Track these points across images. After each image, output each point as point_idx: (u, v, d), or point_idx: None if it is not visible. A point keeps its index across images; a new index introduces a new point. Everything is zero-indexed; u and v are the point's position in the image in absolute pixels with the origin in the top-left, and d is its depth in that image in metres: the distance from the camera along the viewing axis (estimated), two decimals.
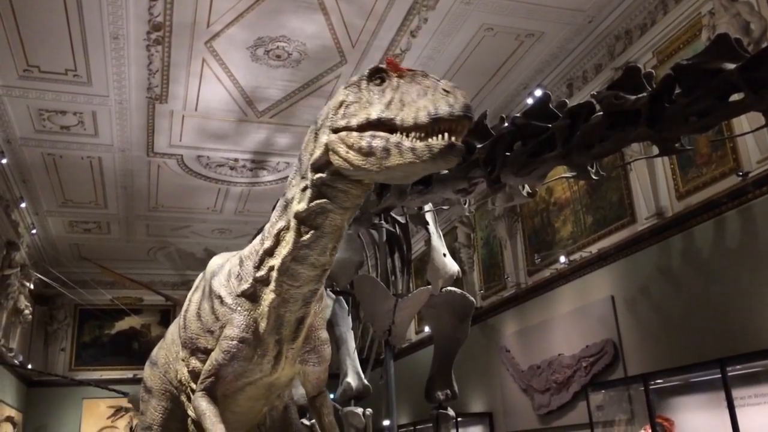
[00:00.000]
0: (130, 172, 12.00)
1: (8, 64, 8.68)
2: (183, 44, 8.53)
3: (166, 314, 18.13)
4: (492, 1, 8.04)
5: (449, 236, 11.90)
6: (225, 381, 3.07)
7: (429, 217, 5.42)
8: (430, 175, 4.44)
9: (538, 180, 4.00)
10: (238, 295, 3.06)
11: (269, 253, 2.92)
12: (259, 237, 3.08)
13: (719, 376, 5.93)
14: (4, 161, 10.76)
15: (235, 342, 3.00)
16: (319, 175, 2.61)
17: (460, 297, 5.35)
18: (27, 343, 16.28)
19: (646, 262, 7.83)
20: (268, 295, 2.93)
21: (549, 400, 9.33)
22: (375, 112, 2.37)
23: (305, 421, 4.79)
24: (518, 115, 3.99)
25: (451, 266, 5.30)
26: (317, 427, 3.57)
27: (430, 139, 2.21)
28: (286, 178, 12.52)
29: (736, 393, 5.88)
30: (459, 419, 10.11)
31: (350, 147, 2.42)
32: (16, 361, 14.21)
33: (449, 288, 5.30)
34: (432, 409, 5.36)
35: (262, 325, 2.98)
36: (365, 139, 2.36)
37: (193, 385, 3.30)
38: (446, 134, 2.20)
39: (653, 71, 3.44)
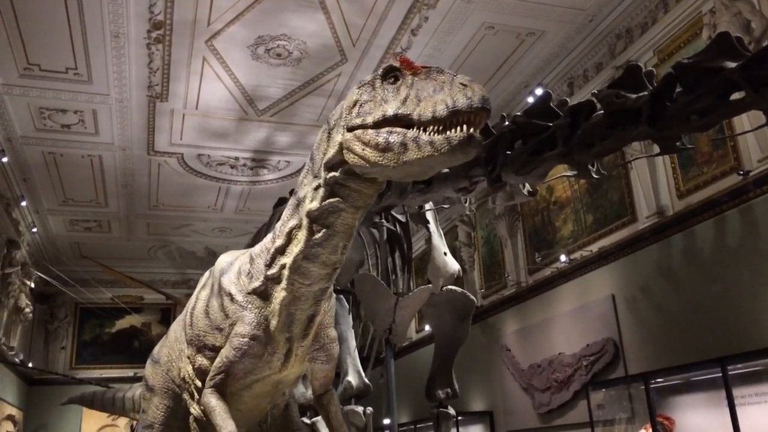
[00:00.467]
0: (130, 171, 12.00)
1: (9, 63, 8.68)
2: (183, 43, 8.53)
3: (167, 313, 18.14)
4: (493, 0, 8.04)
5: (450, 235, 11.90)
6: (235, 378, 3.08)
7: (429, 215, 5.42)
8: None
9: (538, 179, 4.01)
10: (248, 293, 3.08)
11: (281, 251, 2.94)
12: (270, 235, 3.09)
13: (720, 374, 5.92)
14: (4, 159, 10.76)
15: (246, 339, 3.01)
16: (332, 174, 2.63)
17: (460, 296, 5.36)
18: (28, 342, 16.30)
19: (646, 261, 7.82)
20: (280, 293, 2.95)
21: (549, 399, 9.34)
22: (391, 109, 2.38)
23: (305, 420, 4.80)
24: (519, 113, 4.00)
25: (452, 265, 5.30)
26: (325, 425, 3.57)
27: (448, 132, 2.22)
28: (286, 176, 12.53)
29: (736, 392, 5.88)
30: (459, 418, 10.11)
31: (366, 144, 2.42)
32: (16, 360, 14.22)
33: (450, 287, 5.30)
34: (432, 408, 5.37)
35: (273, 322, 3.00)
36: (382, 135, 2.37)
37: (198, 383, 3.31)
38: (464, 126, 2.21)
39: (654, 70, 3.44)
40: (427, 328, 11.77)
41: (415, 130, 2.29)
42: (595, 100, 3.55)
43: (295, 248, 2.85)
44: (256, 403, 3.38)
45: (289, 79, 9.49)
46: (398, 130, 2.34)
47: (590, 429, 7.65)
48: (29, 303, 14.65)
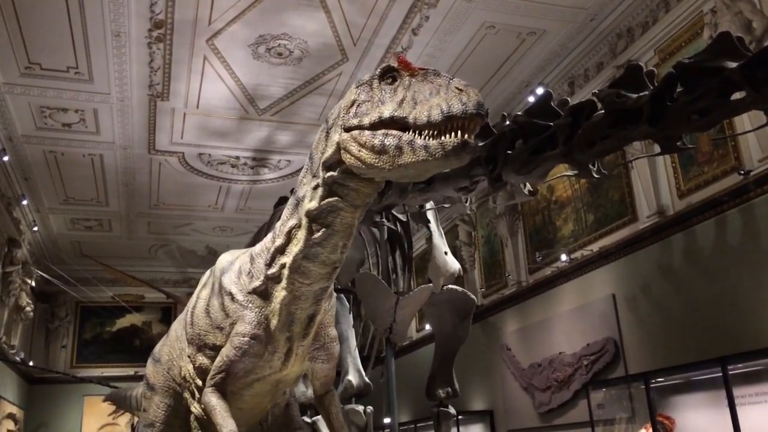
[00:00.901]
0: (131, 170, 12.01)
1: (10, 62, 8.68)
2: (184, 42, 8.53)
3: (168, 312, 18.15)
4: None
5: (450, 234, 11.89)
6: (235, 377, 3.09)
7: (430, 215, 5.43)
8: None
9: (539, 178, 4.01)
10: (249, 292, 3.08)
11: (281, 250, 2.94)
12: (270, 234, 3.09)
13: (720, 374, 5.92)
14: (5, 158, 10.76)
15: (247, 338, 3.02)
16: (330, 173, 2.63)
17: (461, 295, 5.37)
18: (28, 341, 16.31)
19: (647, 261, 7.82)
20: (280, 293, 2.96)
21: (550, 399, 9.34)
22: (387, 111, 2.38)
23: (306, 419, 4.81)
24: (520, 113, 4.00)
25: (452, 264, 5.31)
26: (325, 425, 3.57)
27: (443, 137, 2.22)
28: (287, 175, 12.53)
29: (737, 391, 5.87)
30: (460, 417, 10.11)
31: (362, 145, 2.43)
32: (17, 358, 14.23)
33: (450, 286, 5.31)
34: (433, 407, 5.37)
35: (274, 322, 3.00)
36: (378, 138, 2.37)
37: (199, 382, 3.31)
38: (459, 132, 2.20)
39: (655, 69, 3.44)
40: (428, 327, 11.77)
41: (410, 133, 2.29)
42: (596, 100, 3.55)
43: (294, 248, 2.85)
44: (257, 402, 3.38)
45: (289, 78, 9.49)
46: (394, 132, 2.33)
47: (590, 428, 7.65)
48: (30, 302, 14.66)
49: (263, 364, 3.09)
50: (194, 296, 3.53)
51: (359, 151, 2.44)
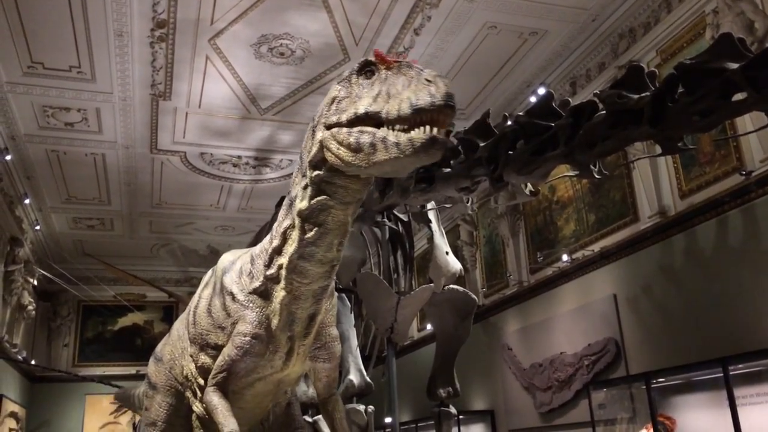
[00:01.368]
0: (133, 169, 12.02)
1: (12, 61, 8.70)
2: (187, 41, 8.54)
3: (170, 311, 18.17)
4: None
5: (452, 234, 11.90)
6: (237, 376, 3.09)
7: (432, 215, 5.43)
8: (433, 173, 4.46)
9: (540, 178, 4.01)
10: (250, 293, 3.08)
11: (277, 251, 2.94)
12: (269, 235, 3.09)
13: (721, 375, 5.92)
14: (8, 158, 10.78)
15: (248, 338, 3.02)
16: (317, 172, 2.61)
17: (462, 295, 5.37)
18: (30, 339, 16.33)
19: (648, 261, 7.82)
20: (279, 293, 2.95)
21: (551, 398, 9.34)
22: (363, 106, 2.35)
23: (307, 418, 4.82)
24: (521, 113, 4.00)
25: (454, 264, 5.31)
26: (326, 424, 3.58)
27: (412, 132, 2.17)
28: (289, 175, 12.51)
29: (738, 392, 5.87)
30: (461, 417, 10.11)
31: (341, 143, 2.40)
32: (19, 357, 14.25)
33: (451, 286, 5.31)
34: (434, 407, 5.38)
35: (274, 321, 3.00)
36: (353, 135, 2.34)
37: (201, 381, 3.32)
38: (428, 127, 2.15)
39: (656, 70, 3.44)
40: (429, 327, 11.78)
41: (384, 129, 2.25)
42: (597, 101, 3.55)
43: (290, 248, 2.84)
44: (258, 401, 3.39)
45: (291, 77, 9.50)
46: (368, 129, 2.30)
47: (591, 428, 7.65)
48: (32, 300, 14.68)
49: (265, 364, 3.09)
50: (196, 296, 3.54)
51: (338, 149, 2.41)
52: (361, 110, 2.34)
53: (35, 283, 14.83)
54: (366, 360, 5.48)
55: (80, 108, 9.96)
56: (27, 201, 12.60)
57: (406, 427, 12.38)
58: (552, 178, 4.28)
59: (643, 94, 3.31)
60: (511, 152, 3.96)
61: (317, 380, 3.38)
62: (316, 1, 7.98)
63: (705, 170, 7.15)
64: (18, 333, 14.26)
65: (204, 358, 3.29)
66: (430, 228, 5.42)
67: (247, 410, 3.36)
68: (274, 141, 11.37)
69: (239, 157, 11.91)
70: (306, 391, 4.79)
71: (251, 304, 3.06)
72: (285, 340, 3.05)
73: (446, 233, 5.80)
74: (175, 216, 14.44)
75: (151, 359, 3.93)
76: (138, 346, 17.71)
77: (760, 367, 5.98)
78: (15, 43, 8.35)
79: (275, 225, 3.00)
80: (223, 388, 3.10)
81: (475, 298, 5.54)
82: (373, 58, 2.46)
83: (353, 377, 4.89)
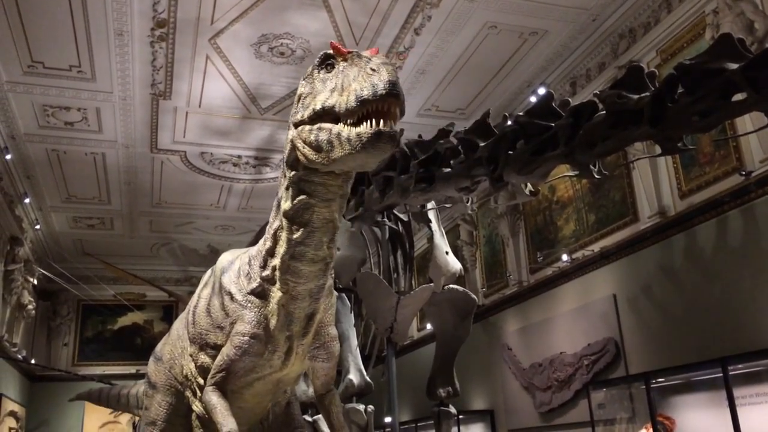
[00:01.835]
0: (133, 169, 12.02)
1: (13, 60, 8.70)
2: (187, 41, 8.54)
3: (169, 310, 18.17)
4: None
5: (452, 234, 11.91)
6: (236, 376, 3.09)
7: (432, 214, 5.44)
8: (433, 173, 4.46)
9: (540, 178, 4.01)
10: (248, 293, 3.08)
11: (270, 253, 2.94)
12: (264, 237, 3.10)
13: (721, 375, 5.92)
14: (8, 157, 10.78)
15: (246, 338, 3.02)
16: (294, 172, 2.58)
17: (462, 295, 5.38)
18: (30, 339, 16.33)
19: (648, 261, 7.83)
20: (276, 293, 2.95)
21: (550, 398, 9.35)
22: (320, 102, 2.30)
23: (307, 417, 4.82)
24: (521, 113, 4.00)
25: (454, 264, 5.32)
26: (326, 425, 3.58)
27: (360, 127, 2.12)
28: None
29: (737, 392, 5.88)
30: (460, 416, 10.11)
31: (305, 141, 2.37)
32: (19, 356, 14.26)
33: (451, 286, 5.32)
34: (433, 407, 5.38)
35: (273, 321, 3.00)
36: (314, 133, 2.31)
37: (201, 381, 3.32)
38: (373, 120, 2.09)
39: (656, 71, 3.44)
40: (429, 326, 11.78)
41: (339, 124, 2.20)
42: (597, 101, 3.56)
43: (281, 249, 2.83)
44: (258, 401, 3.39)
45: (292, 77, 9.49)
46: (326, 126, 2.26)
47: (591, 428, 7.66)
48: (32, 300, 14.68)
49: (263, 363, 3.09)
50: (196, 295, 3.54)
51: (303, 147, 2.39)
52: (319, 106, 2.30)
53: (35, 282, 14.83)
54: (366, 360, 5.49)
55: (80, 107, 9.96)
56: (27, 200, 12.60)
57: (405, 426, 12.39)
58: (552, 178, 4.28)
59: (643, 95, 3.32)
60: (511, 152, 3.96)
61: (315, 378, 3.39)
62: (316, 1, 7.98)
63: (705, 170, 7.15)
64: (18, 332, 14.26)
65: (203, 358, 3.29)
66: (430, 228, 5.43)
67: (246, 409, 3.36)
68: (274, 140, 11.37)
69: (239, 156, 11.91)
70: (306, 390, 4.80)
71: (249, 304, 3.06)
72: (283, 340, 3.05)
73: (446, 233, 5.81)
74: (175, 215, 14.44)
75: (151, 359, 3.93)
76: (138, 345, 17.71)
77: (759, 367, 5.99)
78: (15, 42, 8.35)
79: (267, 227, 3.00)
80: (222, 388, 3.10)
81: (475, 297, 5.54)
82: (331, 51, 2.38)
83: (353, 377, 4.89)
